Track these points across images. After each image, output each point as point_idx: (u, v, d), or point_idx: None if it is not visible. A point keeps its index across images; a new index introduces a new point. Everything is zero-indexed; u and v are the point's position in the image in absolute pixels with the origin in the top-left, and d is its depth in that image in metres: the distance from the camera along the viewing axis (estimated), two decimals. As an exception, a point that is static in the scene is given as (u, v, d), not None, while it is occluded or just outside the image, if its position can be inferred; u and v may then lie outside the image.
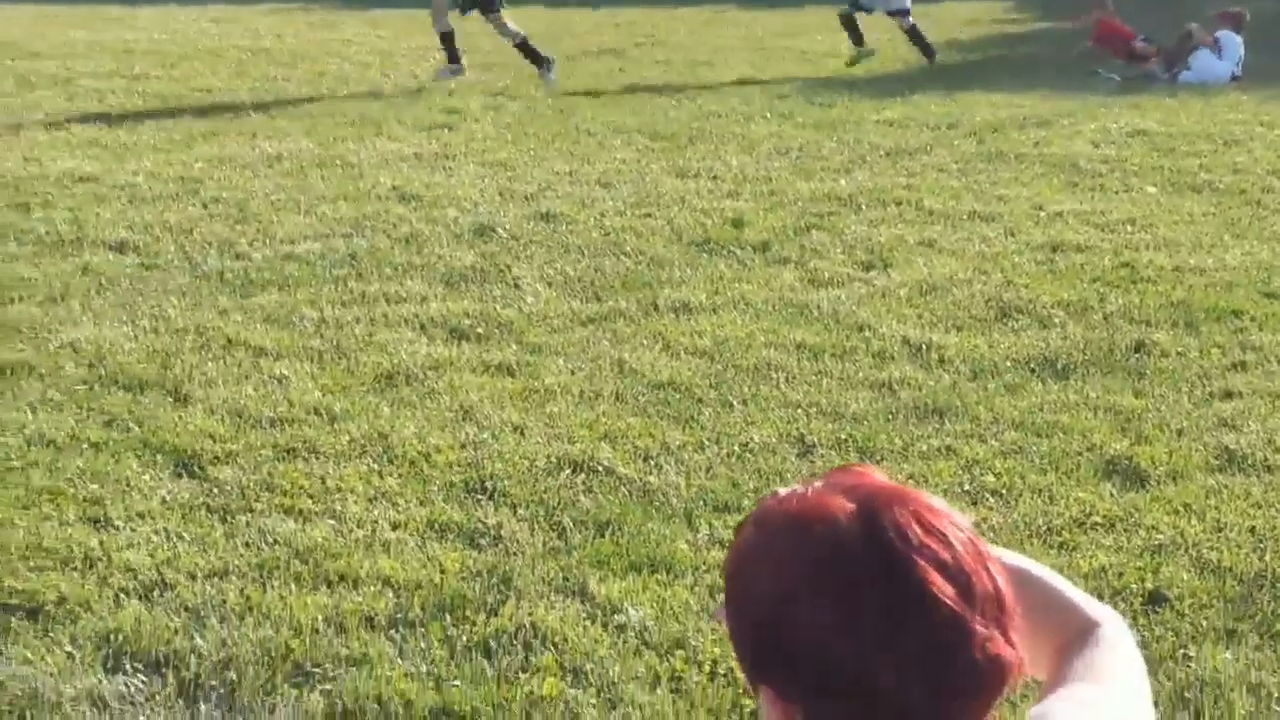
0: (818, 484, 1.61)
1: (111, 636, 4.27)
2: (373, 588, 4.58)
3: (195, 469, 5.44)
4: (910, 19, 15.15)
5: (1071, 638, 1.79)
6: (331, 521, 5.03)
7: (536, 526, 5.01)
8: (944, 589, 1.40)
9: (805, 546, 1.48)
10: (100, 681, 4.06)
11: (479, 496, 5.25)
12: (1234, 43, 14.83)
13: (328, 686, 4.06)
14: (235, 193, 9.52)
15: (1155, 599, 4.60)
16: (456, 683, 4.07)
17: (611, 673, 4.12)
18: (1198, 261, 8.15)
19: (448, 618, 4.40)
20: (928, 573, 1.40)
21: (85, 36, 16.28)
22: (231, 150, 10.79)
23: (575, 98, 13.26)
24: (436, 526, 5.01)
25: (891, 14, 15.12)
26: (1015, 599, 1.47)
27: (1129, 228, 8.90)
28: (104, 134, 11.33)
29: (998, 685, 1.43)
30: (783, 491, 1.65)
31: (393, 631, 4.34)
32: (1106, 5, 15.80)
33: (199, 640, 4.25)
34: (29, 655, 4.19)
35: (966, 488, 5.32)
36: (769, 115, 12.45)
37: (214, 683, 4.08)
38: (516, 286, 7.69)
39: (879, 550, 1.42)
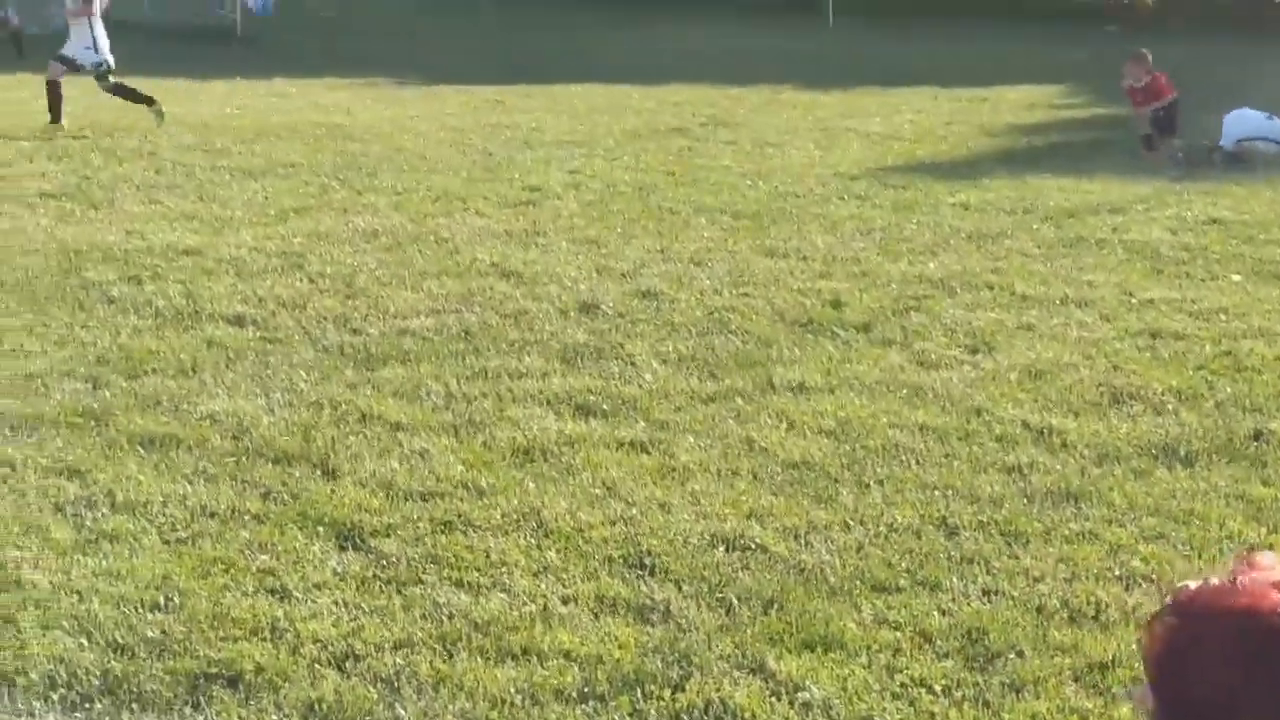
0: (1239, 577, 1.76)
1: (316, 706, 4.39)
2: (556, 661, 4.69)
3: (357, 541, 5.57)
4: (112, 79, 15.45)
5: None
6: (502, 595, 5.15)
7: (703, 603, 5.12)
8: None
9: (1254, 638, 1.63)
10: (313, 750, 4.17)
11: (639, 572, 5.37)
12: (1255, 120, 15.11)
13: (532, 758, 4.17)
14: (340, 267, 9.71)
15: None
16: (657, 756, 4.18)
17: (808, 749, 4.23)
18: (1297, 351, 8.28)
19: (637, 692, 4.51)
20: None
21: (160, 110, 16.54)
22: (326, 225, 11.00)
23: (652, 175, 13.47)
24: (605, 601, 5.12)
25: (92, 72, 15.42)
26: None
27: (1223, 316, 9.02)
28: (198, 208, 11.55)
29: None
30: (1193, 584, 1.82)
31: (583, 705, 4.45)
32: (1147, 62, 15.75)
33: (400, 711, 4.37)
34: (238, 723, 4.30)
35: (1117, 573, 5.43)
36: (845, 197, 12.64)
37: (422, 753, 4.19)
38: (632, 364, 7.84)
39: None
